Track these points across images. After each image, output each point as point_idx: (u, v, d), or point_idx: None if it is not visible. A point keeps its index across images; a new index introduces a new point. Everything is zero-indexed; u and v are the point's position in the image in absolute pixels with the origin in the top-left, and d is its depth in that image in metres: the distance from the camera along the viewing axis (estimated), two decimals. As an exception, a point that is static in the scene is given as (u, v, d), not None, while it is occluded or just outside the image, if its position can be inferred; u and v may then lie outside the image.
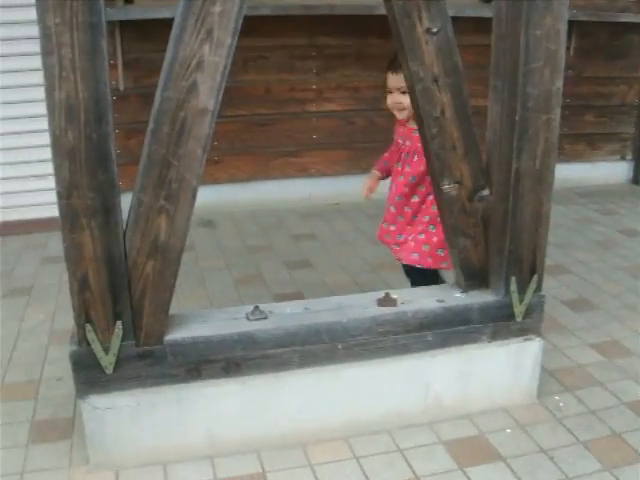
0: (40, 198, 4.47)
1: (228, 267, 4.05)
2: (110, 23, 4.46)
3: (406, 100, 2.71)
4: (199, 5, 1.95)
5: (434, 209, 2.77)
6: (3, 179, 4.63)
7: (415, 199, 2.88)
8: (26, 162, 4.50)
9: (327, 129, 5.18)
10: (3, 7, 4.28)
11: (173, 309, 2.28)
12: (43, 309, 3.46)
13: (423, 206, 2.87)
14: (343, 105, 5.13)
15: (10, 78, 4.38)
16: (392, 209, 2.96)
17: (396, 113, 2.89)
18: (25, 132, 4.43)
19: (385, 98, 2.92)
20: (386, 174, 3.07)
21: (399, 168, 2.94)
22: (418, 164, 2.83)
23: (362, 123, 5.24)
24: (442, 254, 2.82)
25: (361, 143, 5.17)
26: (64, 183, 1.98)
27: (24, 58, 4.25)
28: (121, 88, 4.70)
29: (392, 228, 2.98)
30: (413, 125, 2.82)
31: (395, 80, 2.77)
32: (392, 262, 4.02)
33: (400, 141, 2.97)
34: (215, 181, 4.88)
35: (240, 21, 2.00)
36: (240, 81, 4.88)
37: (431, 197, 2.79)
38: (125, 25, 4.50)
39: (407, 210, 2.92)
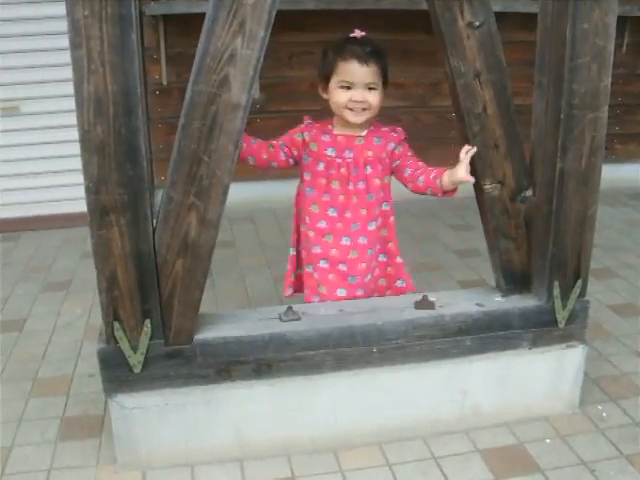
0: (81, 192, 4.48)
1: (268, 265, 4.01)
2: (154, 17, 4.48)
3: (373, 98, 2.35)
4: (232, -3, 1.90)
5: (383, 233, 2.53)
6: (43, 173, 4.67)
7: (372, 226, 2.47)
8: (65, 156, 4.49)
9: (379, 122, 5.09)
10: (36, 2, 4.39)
11: (211, 306, 2.24)
12: (80, 304, 3.47)
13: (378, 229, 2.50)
14: (388, 101, 5.01)
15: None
16: (345, 241, 2.45)
17: (350, 115, 2.36)
18: (63, 126, 4.44)
19: (323, 90, 2.42)
20: (248, 152, 2.41)
21: (335, 188, 2.43)
22: (373, 176, 2.44)
23: (407, 120, 5.15)
24: (403, 285, 2.60)
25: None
26: (92, 178, 1.95)
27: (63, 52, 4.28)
28: (164, 83, 4.71)
29: (342, 268, 2.47)
30: (356, 131, 2.44)
31: (363, 72, 2.30)
32: (435, 263, 3.97)
33: (329, 153, 2.44)
34: (259, 177, 4.83)
35: (273, 13, 1.94)
36: (285, 77, 4.85)
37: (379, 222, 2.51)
38: (169, 19, 4.50)
39: (362, 241, 2.46)
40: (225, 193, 2.07)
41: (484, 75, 2.16)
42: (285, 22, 4.20)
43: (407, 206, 4.41)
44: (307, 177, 2.50)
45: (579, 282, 2.39)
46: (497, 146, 2.26)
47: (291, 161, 2.52)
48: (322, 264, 2.48)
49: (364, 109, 2.36)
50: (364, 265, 2.49)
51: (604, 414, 2.55)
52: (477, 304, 2.41)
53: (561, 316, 2.41)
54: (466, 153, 2.22)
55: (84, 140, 1.91)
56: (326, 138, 2.45)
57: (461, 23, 2.09)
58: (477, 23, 2.09)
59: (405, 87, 5.08)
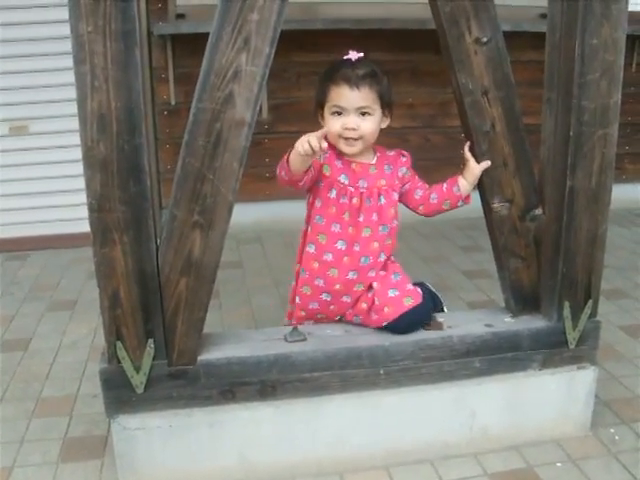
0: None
1: (276, 285, 3.96)
2: (161, 37, 4.48)
3: (366, 125, 2.21)
4: (236, 13, 1.88)
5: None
6: (51, 192, 4.66)
7: (382, 258, 2.36)
8: (73, 175, 4.47)
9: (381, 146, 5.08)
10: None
11: (217, 327, 2.20)
12: (85, 324, 3.43)
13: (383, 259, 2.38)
14: (397, 122, 4.99)
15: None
16: (352, 275, 2.32)
17: (343, 145, 2.24)
18: (73, 145, 4.41)
19: (320, 118, 2.30)
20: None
21: (347, 219, 2.28)
22: (388, 207, 2.33)
23: (416, 140, 5.13)
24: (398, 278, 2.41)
25: (415, 161, 5.06)
26: (95, 195, 1.93)
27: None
28: (172, 102, 4.70)
29: (346, 300, 2.37)
30: (368, 158, 2.33)
31: (354, 97, 2.17)
32: (444, 284, 3.93)
33: (342, 180, 2.28)
34: (267, 198, 4.81)
35: (279, 30, 1.92)
36: (293, 97, 4.84)
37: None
38: (177, 39, 4.49)
39: (371, 274, 2.35)
40: (230, 211, 2.04)
41: (492, 92, 2.14)
42: (293, 42, 4.18)
43: (416, 227, 4.39)
44: (318, 204, 2.32)
45: (590, 302, 2.34)
46: (506, 164, 2.23)
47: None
48: (324, 297, 2.38)
49: (356, 139, 2.22)
50: (371, 294, 2.40)
51: (617, 437, 2.50)
52: (486, 325, 2.37)
53: (571, 337, 2.36)
54: (468, 149, 2.25)
55: (87, 157, 1.90)
56: (339, 164, 2.29)
57: (468, 39, 2.07)
58: (485, 39, 2.07)
59: (414, 107, 5.06)
